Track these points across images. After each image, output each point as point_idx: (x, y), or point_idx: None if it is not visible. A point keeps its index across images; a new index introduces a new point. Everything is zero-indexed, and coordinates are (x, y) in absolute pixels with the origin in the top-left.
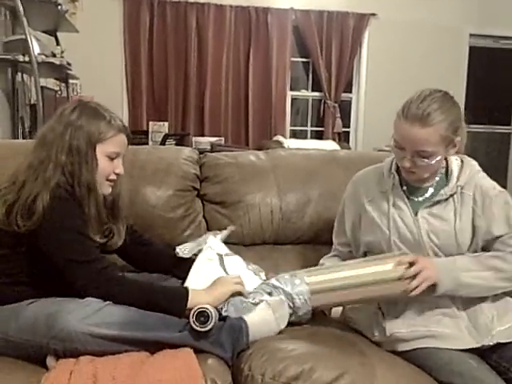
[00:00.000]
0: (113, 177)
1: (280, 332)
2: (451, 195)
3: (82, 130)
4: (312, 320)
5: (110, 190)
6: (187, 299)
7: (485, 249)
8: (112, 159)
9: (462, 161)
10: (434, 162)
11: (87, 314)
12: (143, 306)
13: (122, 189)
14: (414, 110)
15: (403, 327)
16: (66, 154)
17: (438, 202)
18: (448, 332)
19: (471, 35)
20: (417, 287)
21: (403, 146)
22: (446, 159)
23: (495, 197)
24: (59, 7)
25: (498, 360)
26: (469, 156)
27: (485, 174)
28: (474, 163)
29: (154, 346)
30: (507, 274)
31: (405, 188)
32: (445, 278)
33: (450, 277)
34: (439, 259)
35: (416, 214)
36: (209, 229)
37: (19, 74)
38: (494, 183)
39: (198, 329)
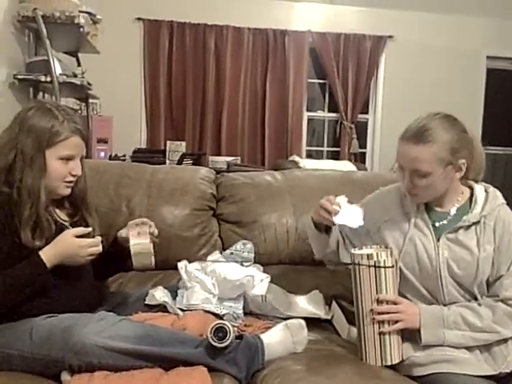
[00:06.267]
0: (69, 178)
1: (295, 353)
2: (474, 223)
3: (31, 133)
4: (328, 342)
5: (69, 190)
6: (41, 259)
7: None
8: (66, 161)
9: (486, 191)
10: (432, 182)
11: (102, 328)
12: (15, 293)
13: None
14: (410, 129)
15: (419, 351)
16: (13, 157)
17: (461, 228)
18: (464, 357)
19: (489, 57)
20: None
21: (402, 164)
22: (471, 187)
23: None
24: (81, 29)
25: None
26: (487, 176)
27: (509, 209)
28: (499, 195)
29: (168, 362)
30: (498, 334)
31: (428, 212)
32: (429, 332)
33: (435, 333)
34: (430, 310)
35: (438, 240)
36: (224, 248)
37: (41, 93)
38: None
39: (216, 344)
